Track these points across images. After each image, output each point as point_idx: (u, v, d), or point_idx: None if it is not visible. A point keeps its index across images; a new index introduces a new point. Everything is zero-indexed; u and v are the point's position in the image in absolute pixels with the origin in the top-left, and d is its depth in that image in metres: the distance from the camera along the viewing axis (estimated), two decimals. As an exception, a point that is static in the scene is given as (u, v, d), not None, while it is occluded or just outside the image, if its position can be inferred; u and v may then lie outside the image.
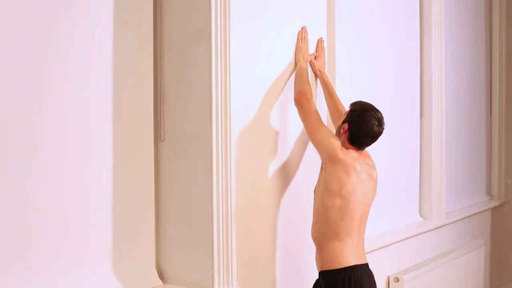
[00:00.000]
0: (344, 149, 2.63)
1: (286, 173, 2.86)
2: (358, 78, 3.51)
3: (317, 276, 2.68)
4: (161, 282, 2.58)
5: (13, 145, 2.12)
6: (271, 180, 2.77)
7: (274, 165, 2.79)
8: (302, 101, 2.74)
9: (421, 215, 4.22)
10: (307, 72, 2.84)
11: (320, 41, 3.02)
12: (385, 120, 2.65)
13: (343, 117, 2.70)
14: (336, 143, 2.62)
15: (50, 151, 2.23)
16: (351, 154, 2.63)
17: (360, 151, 2.69)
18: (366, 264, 2.66)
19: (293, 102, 2.82)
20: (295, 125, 2.88)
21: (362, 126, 2.62)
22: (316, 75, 3.00)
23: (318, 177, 2.73)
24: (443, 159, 4.27)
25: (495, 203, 5.17)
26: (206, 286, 2.48)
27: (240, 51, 2.55)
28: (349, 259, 2.58)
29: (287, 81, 2.84)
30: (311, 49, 2.99)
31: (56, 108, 2.24)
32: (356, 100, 2.74)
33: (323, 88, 3.00)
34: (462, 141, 4.82)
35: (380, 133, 2.65)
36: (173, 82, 2.56)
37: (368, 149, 2.74)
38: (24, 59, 2.15)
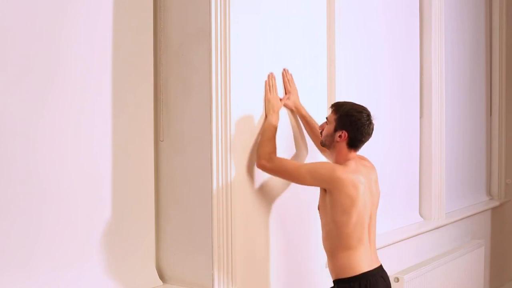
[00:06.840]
0: (339, 165, 2.55)
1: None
2: (357, 78, 3.51)
3: (324, 281, 2.67)
4: (161, 282, 2.58)
5: (12, 145, 2.12)
6: (271, 180, 2.77)
7: (274, 165, 2.79)
8: (263, 165, 2.60)
9: (421, 215, 4.22)
10: (271, 130, 2.66)
11: (284, 75, 2.80)
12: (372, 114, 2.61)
13: (333, 124, 2.57)
14: (327, 167, 2.56)
15: (50, 151, 2.23)
16: (350, 167, 2.56)
17: (356, 153, 2.63)
18: (380, 267, 2.63)
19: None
20: (294, 125, 2.88)
21: (362, 129, 2.55)
22: (293, 112, 2.87)
23: (319, 195, 2.63)
24: (443, 159, 4.27)
25: (495, 203, 5.16)
26: (206, 286, 2.48)
27: (240, 51, 2.55)
28: (363, 266, 2.55)
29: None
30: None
31: (55, 108, 2.24)
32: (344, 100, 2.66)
33: (302, 122, 2.88)
34: (462, 141, 4.81)
35: (373, 128, 2.62)
36: (173, 82, 2.56)
37: (366, 148, 2.73)
38: (24, 60, 2.15)
